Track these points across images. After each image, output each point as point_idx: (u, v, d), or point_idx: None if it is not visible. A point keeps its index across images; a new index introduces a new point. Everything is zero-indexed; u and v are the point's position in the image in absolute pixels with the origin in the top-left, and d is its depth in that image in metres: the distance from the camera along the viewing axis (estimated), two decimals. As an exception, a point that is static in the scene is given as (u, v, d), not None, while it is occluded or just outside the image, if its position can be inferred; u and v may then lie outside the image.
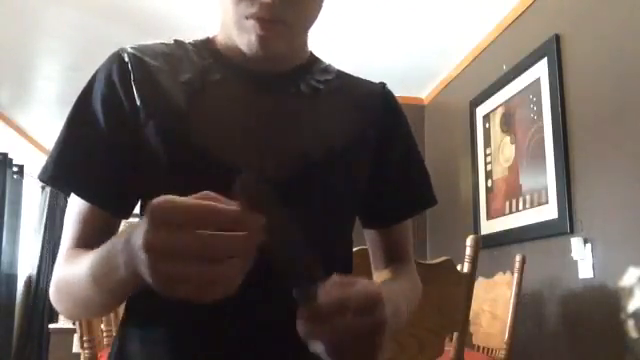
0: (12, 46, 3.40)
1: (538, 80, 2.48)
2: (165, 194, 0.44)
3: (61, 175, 0.70)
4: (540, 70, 2.46)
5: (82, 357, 1.71)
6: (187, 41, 0.78)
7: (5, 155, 4.62)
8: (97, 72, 0.76)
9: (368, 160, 0.79)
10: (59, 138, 0.71)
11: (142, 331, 0.68)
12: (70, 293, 0.65)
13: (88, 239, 0.68)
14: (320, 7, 0.73)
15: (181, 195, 0.44)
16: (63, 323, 4.02)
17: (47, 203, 5.65)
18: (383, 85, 0.87)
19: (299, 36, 0.74)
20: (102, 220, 0.70)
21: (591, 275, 2.06)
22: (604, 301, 1.99)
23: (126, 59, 0.74)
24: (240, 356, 0.66)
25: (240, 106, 0.72)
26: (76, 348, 3.61)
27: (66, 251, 0.69)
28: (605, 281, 2.00)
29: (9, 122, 4.81)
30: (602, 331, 2.01)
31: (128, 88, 0.70)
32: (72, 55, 3.53)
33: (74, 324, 2.06)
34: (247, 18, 0.67)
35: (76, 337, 3.31)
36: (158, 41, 0.79)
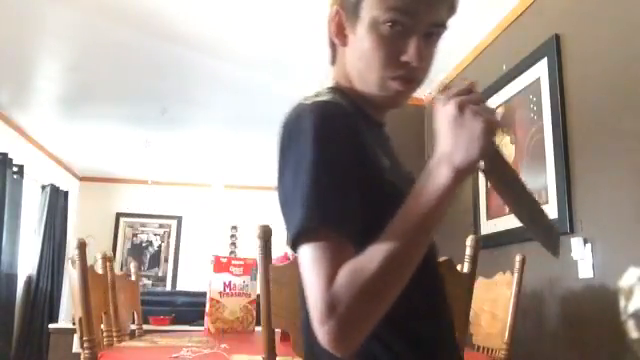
0: (12, 46, 3.40)
1: (538, 80, 2.48)
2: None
3: (335, 222, 0.70)
4: (540, 70, 2.46)
5: (82, 357, 1.71)
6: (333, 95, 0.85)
7: (5, 155, 4.62)
8: (324, 119, 0.76)
9: None
10: (313, 184, 0.71)
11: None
12: (384, 268, 0.66)
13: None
14: None
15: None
16: (63, 323, 4.02)
17: (47, 203, 5.66)
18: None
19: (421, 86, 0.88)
20: (350, 254, 0.69)
21: (591, 275, 2.06)
22: (604, 301, 1.99)
23: (348, 110, 0.80)
24: None
25: (389, 147, 0.92)
26: (76, 348, 3.61)
27: (340, 272, 0.66)
28: (605, 281, 2.00)
29: (9, 122, 4.81)
30: (602, 331, 2.01)
31: (357, 135, 0.78)
32: (72, 55, 3.53)
33: (74, 324, 2.06)
34: (393, 79, 0.81)
35: (76, 337, 3.32)
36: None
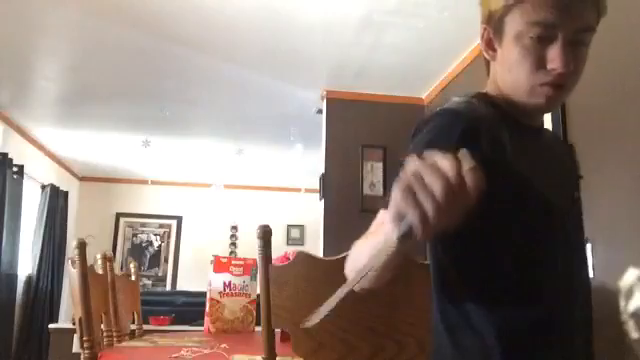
0: (12, 46, 3.40)
1: (538, 80, 2.48)
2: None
3: None
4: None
5: (82, 357, 1.71)
6: (473, 99, 0.92)
7: (5, 155, 4.62)
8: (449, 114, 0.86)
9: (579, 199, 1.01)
10: None
11: None
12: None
13: None
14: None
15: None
16: (63, 323, 4.02)
17: (47, 203, 5.66)
18: (570, 144, 1.15)
19: (573, 90, 0.91)
20: None
21: (591, 275, 2.06)
22: (604, 301, 1.99)
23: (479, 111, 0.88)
24: None
25: (534, 152, 0.92)
26: (76, 348, 3.61)
27: None
28: (605, 281, 2.00)
29: (9, 122, 4.81)
30: (602, 331, 2.01)
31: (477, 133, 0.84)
32: (72, 55, 3.53)
33: (74, 324, 2.06)
34: (541, 85, 0.85)
35: (76, 337, 3.32)
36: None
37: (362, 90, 3.91)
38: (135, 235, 7.07)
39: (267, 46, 3.33)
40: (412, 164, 0.55)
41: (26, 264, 5.34)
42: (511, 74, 0.88)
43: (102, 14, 2.96)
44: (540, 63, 0.84)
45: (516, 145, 0.85)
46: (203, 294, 2.58)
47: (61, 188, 6.04)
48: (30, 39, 3.33)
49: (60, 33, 3.23)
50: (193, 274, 6.58)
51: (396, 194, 0.55)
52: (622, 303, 1.90)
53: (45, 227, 5.62)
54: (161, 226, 7.14)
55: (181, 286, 6.75)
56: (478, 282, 0.83)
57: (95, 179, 7.01)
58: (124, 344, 2.12)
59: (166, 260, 7.07)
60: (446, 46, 3.19)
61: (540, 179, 0.87)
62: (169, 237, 7.12)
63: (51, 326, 4.09)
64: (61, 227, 6.03)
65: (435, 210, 0.53)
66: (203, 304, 2.47)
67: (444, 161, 0.54)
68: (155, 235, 7.12)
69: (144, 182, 6.99)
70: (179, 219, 7.15)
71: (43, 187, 5.72)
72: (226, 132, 5.13)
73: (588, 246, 2.07)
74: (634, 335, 1.85)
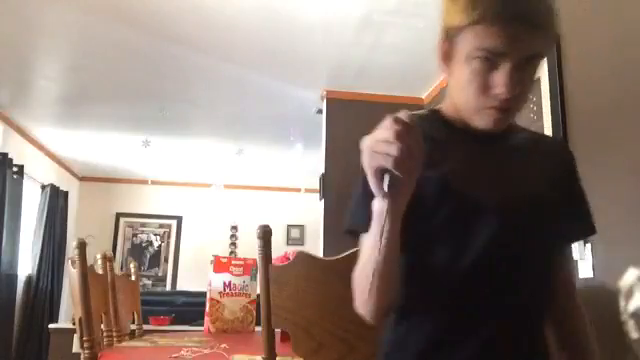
0: (12, 46, 3.40)
1: (538, 80, 2.48)
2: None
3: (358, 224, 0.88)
4: (540, 70, 2.46)
5: (82, 357, 1.72)
6: (423, 112, 1.00)
7: (5, 155, 4.62)
8: None
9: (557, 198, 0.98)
10: (354, 197, 0.91)
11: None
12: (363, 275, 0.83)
13: None
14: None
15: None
16: (63, 323, 4.02)
17: (47, 203, 5.66)
18: (562, 141, 1.11)
19: (519, 111, 0.93)
20: None
21: (591, 275, 2.06)
22: (604, 301, 1.99)
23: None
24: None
25: (475, 156, 0.94)
26: (76, 348, 3.61)
27: None
28: (605, 281, 2.00)
29: (9, 122, 4.81)
30: (602, 331, 2.01)
31: None
32: (72, 55, 3.53)
33: (74, 324, 2.06)
34: (488, 108, 0.86)
35: (76, 337, 3.32)
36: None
37: (362, 90, 3.91)
38: (135, 235, 7.07)
39: (267, 46, 3.33)
40: (365, 141, 0.73)
41: (26, 264, 5.34)
42: (462, 93, 0.89)
43: (102, 14, 2.96)
44: (486, 87, 0.85)
45: (449, 151, 0.90)
46: (203, 294, 2.59)
47: (61, 188, 6.04)
48: (30, 39, 3.33)
49: (60, 33, 3.23)
50: (193, 274, 6.58)
51: (366, 161, 0.73)
52: (622, 303, 1.90)
53: (45, 227, 5.62)
54: (161, 226, 7.14)
55: (181, 286, 6.75)
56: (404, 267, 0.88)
57: (95, 179, 7.01)
58: (124, 344, 2.12)
59: (166, 260, 7.07)
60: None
61: (466, 180, 0.90)
62: (169, 237, 7.12)
63: (51, 326, 4.10)
64: (61, 227, 6.03)
65: (398, 150, 0.69)
66: (203, 304, 2.47)
67: (386, 122, 0.72)
68: (155, 235, 7.12)
69: (144, 182, 6.99)
70: (179, 219, 7.15)
71: (43, 187, 5.72)
72: (226, 132, 5.13)
73: (588, 246, 2.07)
74: (634, 335, 1.85)
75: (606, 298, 1.97)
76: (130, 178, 6.93)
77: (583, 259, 2.09)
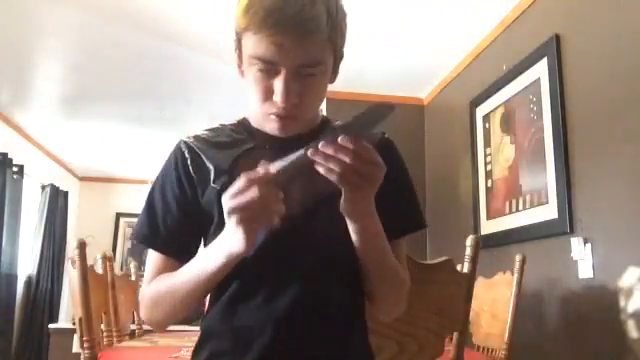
0: (12, 46, 3.40)
1: (538, 80, 2.48)
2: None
3: (148, 237, 0.97)
4: (540, 70, 2.46)
5: (82, 357, 1.72)
6: (228, 123, 1.02)
7: (5, 155, 4.62)
8: (167, 160, 1.01)
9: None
10: (144, 209, 1.01)
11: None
12: (172, 295, 0.89)
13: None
14: (325, 91, 0.92)
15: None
16: (63, 323, 4.02)
17: (47, 203, 5.65)
18: (382, 134, 1.00)
19: (308, 117, 0.93)
20: (171, 264, 0.94)
21: (591, 275, 2.06)
22: (604, 301, 1.99)
23: (183, 149, 0.98)
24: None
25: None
26: (76, 348, 3.61)
27: (150, 279, 0.94)
28: (605, 281, 2.00)
29: (9, 122, 4.81)
30: (602, 331, 2.01)
31: (187, 170, 0.95)
32: (72, 55, 3.53)
33: (74, 324, 2.06)
34: (271, 114, 0.86)
35: (76, 337, 3.32)
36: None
37: (362, 90, 3.91)
38: (135, 235, 7.07)
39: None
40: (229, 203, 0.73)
41: (26, 264, 5.33)
42: (251, 99, 0.89)
43: (102, 14, 2.96)
44: (268, 94, 0.84)
45: (250, 158, 0.86)
46: (203, 294, 2.58)
47: (61, 188, 6.04)
48: (30, 39, 3.33)
49: (60, 33, 3.23)
50: (193, 274, 6.58)
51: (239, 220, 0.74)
52: (622, 303, 1.90)
53: (45, 227, 5.61)
54: (161, 226, 7.14)
55: (181, 286, 6.75)
56: None
57: (95, 179, 7.01)
58: (124, 344, 2.12)
59: (166, 260, 7.06)
60: (446, 46, 3.19)
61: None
62: (169, 237, 7.12)
63: (51, 326, 4.10)
64: (61, 227, 6.03)
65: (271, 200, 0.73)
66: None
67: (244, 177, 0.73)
68: (155, 235, 7.12)
69: (144, 182, 6.98)
70: (179, 219, 7.14)
71: (43, 187, 5.72)
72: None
73: (588, 246, 2.07)
74: (634, 335, 1.85)
75: (606, 298, 1.97)
76: (130, 178, 6.93)
77: (583, 259, 2.09)
